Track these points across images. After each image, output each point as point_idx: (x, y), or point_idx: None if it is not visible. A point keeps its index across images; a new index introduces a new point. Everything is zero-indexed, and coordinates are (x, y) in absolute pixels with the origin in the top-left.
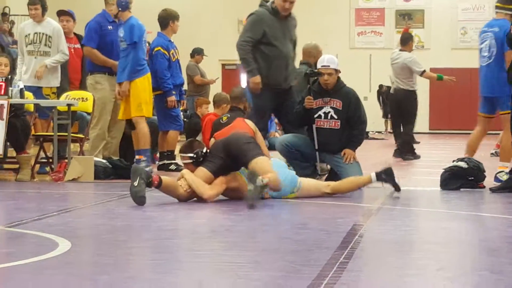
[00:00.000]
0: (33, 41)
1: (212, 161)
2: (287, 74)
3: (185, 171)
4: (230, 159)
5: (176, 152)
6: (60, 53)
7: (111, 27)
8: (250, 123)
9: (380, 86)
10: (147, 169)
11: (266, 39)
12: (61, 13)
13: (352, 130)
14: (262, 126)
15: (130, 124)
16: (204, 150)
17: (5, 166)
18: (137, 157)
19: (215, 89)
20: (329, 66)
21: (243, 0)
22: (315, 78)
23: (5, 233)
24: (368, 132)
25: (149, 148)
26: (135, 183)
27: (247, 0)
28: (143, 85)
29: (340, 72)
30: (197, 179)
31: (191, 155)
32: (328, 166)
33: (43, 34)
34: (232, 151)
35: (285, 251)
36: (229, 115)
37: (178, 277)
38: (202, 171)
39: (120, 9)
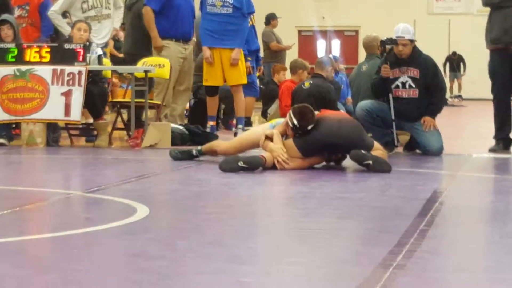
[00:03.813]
0: (94, 5)
1: (309, 142)
2: None
3: (275, 133)
4: (332, 147)
5: (253, 118)
6: (119, 9)
7: None
8: None
9: (453, 53)
10: None
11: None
12: None
13: (431, 97)
14: None
15: (208, 89)
16: (309, 128)
17: (73, 132)
18: (239, 126)
19: (291, 55)
20: (403, 37)
21: None
22: (391, 46)
23: (84, 198)
24: (447, 99)
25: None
26: (239, 164)
27: None
28: (243, 54)
29: (415, 41)
30: (278, 148)
31: (296, 123)
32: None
33: None
34: (349, 143)
35: (363, 218)
36: (311, 81)
37: (256, 242)
38: (293, 148)
39: None
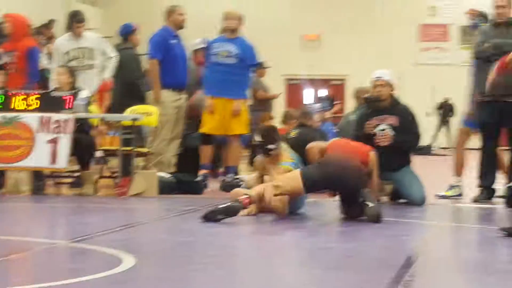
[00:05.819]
0: (76, 56)
1: (314, 177)
2: None
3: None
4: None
5: (240, 166)
6: (110, 61)
7: (174, 41)
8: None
9: (446, 99)
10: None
11: None
12: None
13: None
14: None
15: (204, 138)
16: (272, 147)
17: (64, 180)
18: (231, 175)
19: (278, 104)
20: (381, 77)
21: (308, 16)
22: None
23: (69, 248)
24: (430, 147)
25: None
26: (218, 217)
27: (311, 17)
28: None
29: (394, 87)
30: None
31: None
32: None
33: (85, 48)
34: (347, 191)
35: (349, 268)
36: (298, 131)
37: None
38: (297, 179)
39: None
